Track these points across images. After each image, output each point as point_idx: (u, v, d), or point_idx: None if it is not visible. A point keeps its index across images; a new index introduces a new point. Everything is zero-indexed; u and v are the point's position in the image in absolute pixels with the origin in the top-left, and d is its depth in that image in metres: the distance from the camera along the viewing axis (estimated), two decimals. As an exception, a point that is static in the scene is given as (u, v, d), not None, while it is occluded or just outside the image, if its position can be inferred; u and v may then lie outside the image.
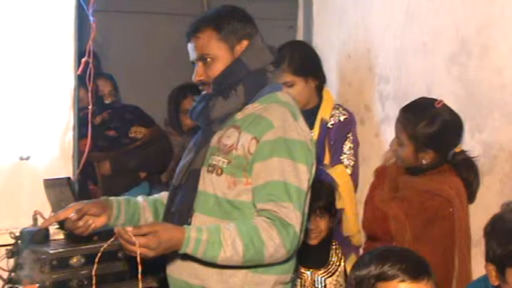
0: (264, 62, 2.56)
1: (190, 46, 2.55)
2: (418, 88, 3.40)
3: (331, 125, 3.59)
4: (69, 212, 2.43)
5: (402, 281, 2.00)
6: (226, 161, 2.45)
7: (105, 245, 2.31)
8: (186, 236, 2.27)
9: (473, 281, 2.74)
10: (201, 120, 2.59)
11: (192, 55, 2.55)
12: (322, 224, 3.26)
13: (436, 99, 3.11)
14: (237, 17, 2.55)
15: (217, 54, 2.51)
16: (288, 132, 2.42)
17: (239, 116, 2.51)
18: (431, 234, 3.01)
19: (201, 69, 2.54)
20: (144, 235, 2.20)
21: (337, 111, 3.61)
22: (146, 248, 2.19)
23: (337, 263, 3.32)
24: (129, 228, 2.20)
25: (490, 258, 2.40)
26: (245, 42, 2.53)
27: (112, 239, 2.26)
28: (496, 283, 2.39)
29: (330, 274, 3.29)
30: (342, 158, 3.56)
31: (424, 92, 3.37)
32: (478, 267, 2.80)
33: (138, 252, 2.17)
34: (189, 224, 2.44)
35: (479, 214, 3.07)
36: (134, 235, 2.18)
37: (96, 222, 2.50)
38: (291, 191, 2.37)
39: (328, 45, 3.78)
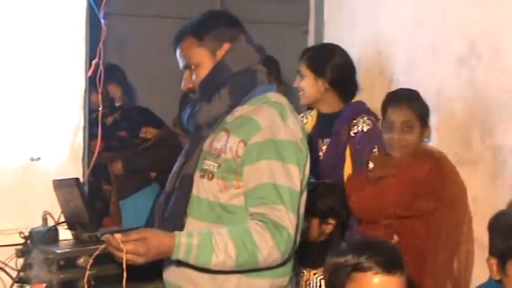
0: (249, 62, 2.54)
1: (177, 55, 2.58)
2: (428, 91, 3.39)
3: (354, 133, 3.48)
4: None
5: (376, 273, 2.11)
6: (216, 164, 2.44)
7: (97, 252, 2.34)
8: (176, 242, 2.26)
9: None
10: (190, 125, 2.60)
11: (179, 63, 2.57)
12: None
13: None
14: (218, 21, 2.56)
15: (200, 60, 2.51)
16: (276, 133, 2.39)
17: (229, 118, 2.51)
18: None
19: (188, 76, 2.55)
20: (133, 242, 2.21)
21: (361, 120, 3.49)
22: (135, 255, 2.20)
23: None
24: (118, 235, 2.22)
25: (492, 252, 2.42)
26: (227, 45, 2.52)
27: (102, 247, 2.29)
28: (498, 277, 2.41)
29: None
30: None
31: (433, 95, 3.38)
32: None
33: (124, 259, 2.19)
34: (183, 228, 2.43)
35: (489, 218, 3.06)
36: (123, 242, 2.19)
37: None
38: (282, 192, 2.34)
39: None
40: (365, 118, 3.51)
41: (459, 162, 3.26)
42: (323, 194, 3.23)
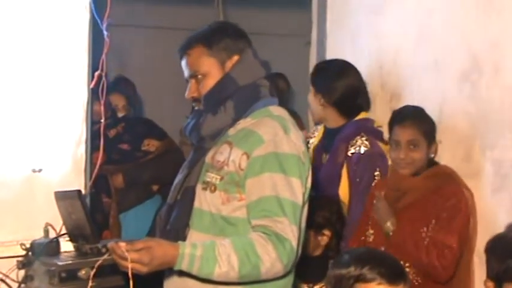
0: (255, 77, 2.56)
1: (182, 63, 2.57)
2: (430, 105, 3.39)
3: (351, 153, 3.48)
4: None
5: (380, 283, 2.09)
6: (219, 177, 2.45)
7: (100, 260, 2.35)
8: (180, 252, 2.26)
9: None
10: (193, 136, 2.60)
11: (185, 72, 2.57)
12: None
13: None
14: (228, 32, 2.57)
15: (208, 70, 2.52)
16: (278, 146, 2.41)
17: (231, 131, 2.52)
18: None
19: (194, 86, 2.55)
20: (137, 251, 2.21)
21: (359, 140, 3.48)
22: (139, 264, 2.20)
23: None
24: (122, 244, 2.21)
25: (489, 275, 2.42)
26: (236, 57, 2.54)
27: (106, 255, 2.29)
28: None
29: None
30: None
31: (435, 110, 3.37)
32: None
33: (130, 267, 2.18)
34: (185, 241, 2.42)
35: (490, 232, 3.06)
36: (127, 250, 2.19)
37: None
38: (285, 205, 2.35)
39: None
40: (363, 138, 3.49)
41: (461, 175, 3.27)
42: (318, 206, 3.23)
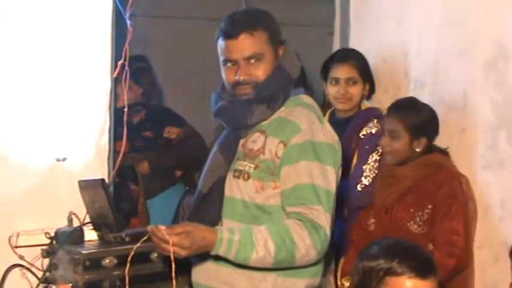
0: (297, 70, 2.58)
1: (234, 43, 2.47)
2: (455, 93, 3.38)
3: (363, 135, 3.56)
4: None
5: (410, 277, 2.12)
6: (253, 165, 2.45)
7: (139, 244, 2.33)
8: (218, 237, 2.27)
9: None
10: (231, 123, 2.57)
11: (237, 53, 2.47)
12: None
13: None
14: (276, 22, 2.56)
15: (267, 55, 2.49)
16: (315, 135, 2.43)
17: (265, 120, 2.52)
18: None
19: (246, 68, 2.48)
20: (177, 234, 2.20)
21: (371, 124, 3.57)
22: (179, 247, 2.20)
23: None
24: (163, 227, 2.21)
25: None
26: (283, 48, 2.54)
27: (145, 238, 2.28)
28: None
29: None
30: (364, 167, 3.49)
31: (461, 97, 3.35)
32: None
33: (172, 251, 2.18)
34: None
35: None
36: (167, 234, 2.19)
37: None
38: (320, 193, 2.37)
39: (364, 51, 3.76)
40: (375, 121, 3.58)
41: (486, 164, 3.24)
42: None
